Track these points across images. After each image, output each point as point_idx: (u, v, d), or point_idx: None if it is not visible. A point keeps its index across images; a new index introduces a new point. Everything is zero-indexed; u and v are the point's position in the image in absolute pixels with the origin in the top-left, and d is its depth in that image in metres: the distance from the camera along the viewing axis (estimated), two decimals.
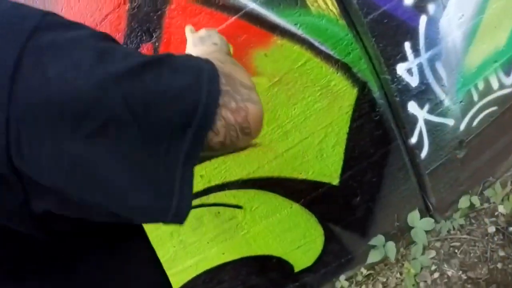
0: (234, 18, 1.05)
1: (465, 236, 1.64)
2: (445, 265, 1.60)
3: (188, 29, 0.94)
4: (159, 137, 0.44)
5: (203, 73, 0.48)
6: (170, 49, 1.08)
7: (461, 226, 1.66)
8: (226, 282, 1.54)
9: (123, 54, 0.44)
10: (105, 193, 0.44)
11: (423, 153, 1.45)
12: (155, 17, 1.05)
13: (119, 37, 1.05)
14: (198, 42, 0.85)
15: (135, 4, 1.03)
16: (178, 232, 1.36)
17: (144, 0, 1.02)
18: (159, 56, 0.48)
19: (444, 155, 1.49)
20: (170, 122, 0.44)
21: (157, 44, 1.08)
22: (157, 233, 1.35)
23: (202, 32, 0.87)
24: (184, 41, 1.03)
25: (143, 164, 0.44)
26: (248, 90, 0.54)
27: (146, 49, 1.08)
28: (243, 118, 0.51)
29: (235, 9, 1.04)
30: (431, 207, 1.65)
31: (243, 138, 0.53)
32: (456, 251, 1.62)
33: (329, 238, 1.53)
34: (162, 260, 1.39)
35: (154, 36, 1.07)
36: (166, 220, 0.47)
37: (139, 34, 1.06)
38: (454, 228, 1.67)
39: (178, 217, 0.46)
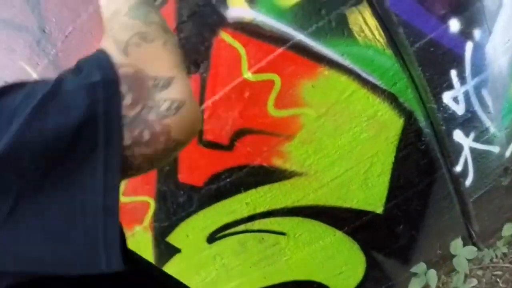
0: (281, 49, 1.08)
1: (507, 264, 1.61)
2: None
3: None
4: (71, 194, 0.40)
5: (96, 104, 0.41)
6: (218, 80, 1.11)
7: (504, 254, 1.63)
8: None
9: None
10: (39, 267, 0.41)
11: (468, 181, 1.45)
12: (202, 48, 1.09)
13: None
14: None
15: (183, 35, 1.07)
16: (221, 255, 1.38)
17: (192, 32, 1.06)
18: (46, 92, 0.41)
19: (488, 182, 1.47)
20: (75, 174, 0.40)
21: (204, 75, 1.11)
22: (200, 256, 1.38)
23: None
24: (231, 71, 1.08)
25: (63, 235, 0.40)
26: (166, 90, 0.45)
27: (193, 80, 1.11)
28: (165, 141, 0.45)
29: (282, 40, 1.07)
30: (474, 235, 1.62)
31: (173, 154, 0.49)
32: (498, 280, 1.60)
33: (371, 265, 1.53)
34: (203, 282, 1.43)
35: (202, 67, 1.11)
36: (103, 271, 0.42)
37: (186, 65, 1.10)
38: (497, 256, 1.64)
39: (113, 267, 0.42)
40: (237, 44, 1.07)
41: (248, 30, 1.06)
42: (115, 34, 0.48)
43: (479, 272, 1.64)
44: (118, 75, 0.43)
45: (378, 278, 1.58)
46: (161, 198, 1.26)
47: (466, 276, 1.63)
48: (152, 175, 1.22)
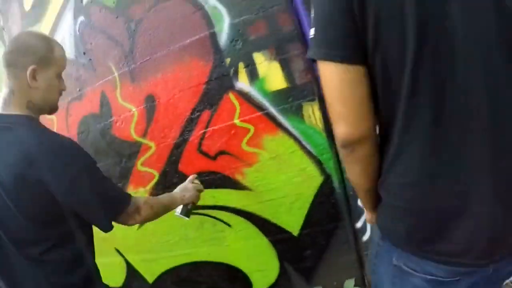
0: (260, 113, 1.80)
1: None
2: None
3: (190, 177, 1.74)
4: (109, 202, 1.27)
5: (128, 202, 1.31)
6: (219, 118, 1.86)
7: None
8: (202, 276, 2.20)
9: None
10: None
11: (364, 237, 1.96)
12: (218, 97, 1.85)
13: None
14: (183, 187, 1.66)
15: (209, 87, 1.85)
16: (186, 226, 2.07)
17: (215, 89, 1.83)
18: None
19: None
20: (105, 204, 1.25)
21: (213, 112, 1.87)
22: (171, 222, 2.05)
23: (189, 185, 1.67)
24: (229, 116, 1.82)
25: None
26: (139, 217, 1.32)
27: (206, 114, 1.87)
28: (126, 221, 1.31)
29: (262, 108, 1.79)
30: (365, 281, 2.09)
31: (123, 224, 1.32)
32: None
33: (283, 273, 2.11)
34: (168, 242, 2.08)
35: (213, 108, 1.86)
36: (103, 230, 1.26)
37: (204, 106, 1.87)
38: None
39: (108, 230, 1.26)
40: (236, 102, 1.82)
41: (245, 96, 1.80)
42: (151, 199, 1.46)
43: None
44: (131, 202, 1.31)
45: (285, 285, 2.16)
46: (163, 174, 1.99)
47: None
48: (163, 158, 1.96)
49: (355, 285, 2.07)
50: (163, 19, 1.83)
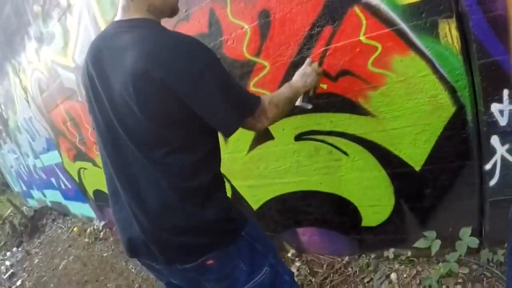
0: (388, 29, 1.64)
1: (497, 272, 1.83)
2: (469, 285, 1.85)
3: (308, 60, 1.65)
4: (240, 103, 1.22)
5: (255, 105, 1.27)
6: (343, 35, 1.74)
7: (500, 262, 1.84)
8: (312, 206, 2.16)
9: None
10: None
11: (492, 182, 1.77)
12: (340, 11, 1.71)
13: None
14: (301, 72, 1.58)
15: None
16: (299, 153, 2.02)
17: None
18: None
19: (510, 193, 1.74)
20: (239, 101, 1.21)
21: (335, 28, 1.75)
22: (285, 147, 2.01)
23: (308, 69, 1.59)
24: (353, 32, 1.69)
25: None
26: (265, 120, 1.28)
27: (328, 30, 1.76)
28: (253, 126, 1.27)
29: (391, 24, 1.63)
30: (483, 232, 1.93)
31: (249, 129, 1.30)
32: (485, 279, 1.84)
33: (397, 211, 2.01)
34: (277, 169, 2.06)
35: (336, 23, 1.75)
36: (226, 136, 1.24)
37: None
38: (493, 261, 1.86)
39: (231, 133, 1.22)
40: (362, 16, 1.67)
41: (372, 10, 1.65)
42: (273, 97, 1.36)
43: (474, 266, 1.91)
44: (260, 102, 1.27)
45: (397, 225, 2.06)
46: None
47: (461, 260, 1.91)
48: (278, 78, 1.89)
49: (471, 235, 1.91)
50: None
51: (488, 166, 1.79)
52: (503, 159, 1.74)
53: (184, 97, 1.12)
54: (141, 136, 1.17)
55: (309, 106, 1.57)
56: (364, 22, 1.68)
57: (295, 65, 1.85)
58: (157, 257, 1.26)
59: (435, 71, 1.66)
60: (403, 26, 1.63)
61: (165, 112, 1.14)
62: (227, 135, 1.24)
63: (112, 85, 1.16)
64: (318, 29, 1.77)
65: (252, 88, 2.01)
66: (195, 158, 1.23)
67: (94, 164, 4.16)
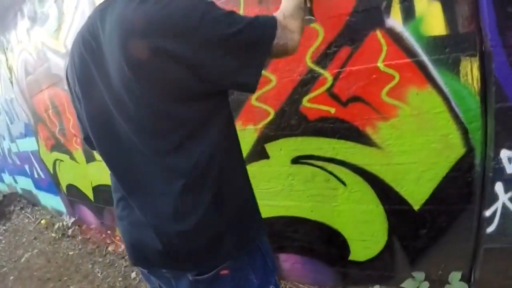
0: (409, 59, 1.57)
1: None
2: None
3: None
4: (253, 45, 0.98)
5: (274, 24, 1.03)
6: (361, 58, 1.63)
7: None
8: (299, 233, 2.03)
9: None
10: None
11: (489, 229, 1.70)
12: (361, 35, 1.63)
13: None
14: None
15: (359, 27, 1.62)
16: (294, 176, 1.89)
17: (362, 25, 1.60)
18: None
19: (506, 242, 1.71)
20: (258, 39, 0.99)
21: (354, 51, 1.64)
22: (280, 169, 1.88)
23: None
24: (371, 58, 1.59)
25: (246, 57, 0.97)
26: (291, 34, 1.07)
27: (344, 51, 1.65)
28: (285, 47, 1.06)
29: (412, 54, 1.56)
30: (472, 279, 1.87)
31: (283, 53, 1.09)
32: None
33: (388, 248, 1.92)
34: (268, 191, 1.92)
35: (354, 45, 1.64)
36: (251, 90, 1.02)
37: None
38: None
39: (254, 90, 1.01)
40: (383, 42, 1.59)
41: (394, 37, 1.57)
42: (283, 10, 1.12)
43: None
44: (277, 21, 1.04)
45: (386, 262, 1.96)
46: (280, 113, 1.80)
47: None
48: (284, 94, 1.76)
49: (460, 280, 1.85)
50: None
51: (488, 213, 1.72)
52: (504, 207, 1.68)
53: (194, 62, 0.93)
54: (147, 126, 1.00)
55: (313, 19, 1.39)
56: (384, 48, 1.58)
57: (304, 84, 1.73)
58: (169, 265, 1.10)
59: (450, 109, 1.58)
60: (425, 58, 1.55)
61: (172, 89, 0.96)
62: (254, 85, 1.02)
63: (108, 71, 1.00)
64: (335, 48, 1.67)
65: (253, 101, 1.87)
66: (204, 148, 1.02)
67: (72, 157, 3.93)
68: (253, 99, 1.88)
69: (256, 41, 1.00)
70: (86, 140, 1.27)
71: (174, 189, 1.01)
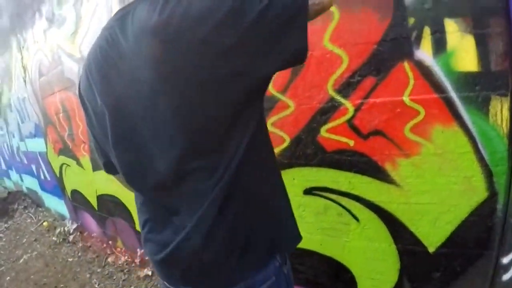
0: (437, 95, 1.50)
1: None
2: None
3: None
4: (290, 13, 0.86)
5: None
6: (387, 90, 1.57)
7: None
8: (305, 266, 1.95)
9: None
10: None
11: (505, 277, 1.66)
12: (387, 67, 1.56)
13: None
14: None
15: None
16: (305, 208, 1.81)
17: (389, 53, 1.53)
18: None
19: None
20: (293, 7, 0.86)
21: (378, 82, 1.58)
22: (291, 199, 1.80)
23: None
24: (398, 90, 1.52)
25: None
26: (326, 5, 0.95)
27: (369, 80, 1.58)
28: (321, 5, 0.92)
29: (442, 90, 1.49)
30: None
31: (318, 11, 0.94)
32: None
33: None
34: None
35: (380, 76, 1.57)
36: (303, 57, 0.91)
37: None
38: None
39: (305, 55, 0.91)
40: (411, 75, 1.52)
41: (423, 70, 1.50)
42: None
43: None
44: None
45: None
46: (295, 141, 1.72)
47: None
48: (302, 122, 1.69)
49: None
50: None
51: (505, 260, 1.65)
52: None
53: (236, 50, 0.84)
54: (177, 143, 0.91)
55: None
56: (412, 81, 1.52)
57: (324, 112, 1.66)
58: (201, 283, 1.04)
59: (476, 150, 1.51)
60: (453, 94, 1.48)
61: (211, 94, 0.87)
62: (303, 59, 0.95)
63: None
64: (359, 78, 1.60)
65: (270, 127, 1.79)
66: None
67: (78, 163, 3.89)
68: (269, 124, 1.80)
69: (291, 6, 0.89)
70: (107, 165, 1.18)
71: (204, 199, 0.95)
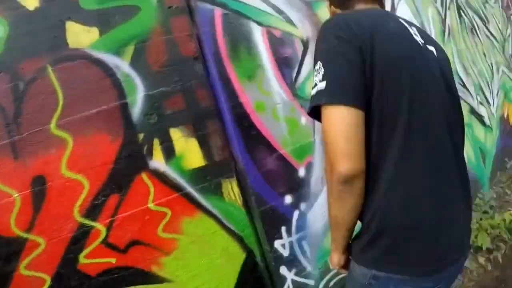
0: (177, 194, 1.63)
1: None
2: None
3: None
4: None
5: None
6: (130, 202, 1.60)
7: None
8: None
9: None
10: None
11: None
12: (127, 180, 1.60)
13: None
14: None
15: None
16: None
17: (126, 168, 1.58)
18: None
19: None
20: None
21: (122, 197, 1.61)
22: None
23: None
24: (142, 200, 1.58)
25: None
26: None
27: (113, 199, 1.60)
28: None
29: (179, 189, 1.64)
30: None
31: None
32: None
33: None
34: None
35: (123, 191, 1.60)
36: None
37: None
38: None
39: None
40: (150, 184, 1.60)
41: (160, 177, 1.61)
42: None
43: None
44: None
45: None
46: (57, 278, 1.60)
47: None
48: (57, 257, 1.58)
49: None
50: (62, 81, 1.53)
51: None
52: (293, 282, 1.94)
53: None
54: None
55: None
56: (152, 189, 1.61)
57: (77, 240, 1.58)
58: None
59: (223, 226, 1.72)
60: (190, 189, 1.65)
61: None
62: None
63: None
64: (103, 198, 1.58)
65: (23, 271, 1.59)
66: None
67: None
68: (22, 269, 1.62)
69: None
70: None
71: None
